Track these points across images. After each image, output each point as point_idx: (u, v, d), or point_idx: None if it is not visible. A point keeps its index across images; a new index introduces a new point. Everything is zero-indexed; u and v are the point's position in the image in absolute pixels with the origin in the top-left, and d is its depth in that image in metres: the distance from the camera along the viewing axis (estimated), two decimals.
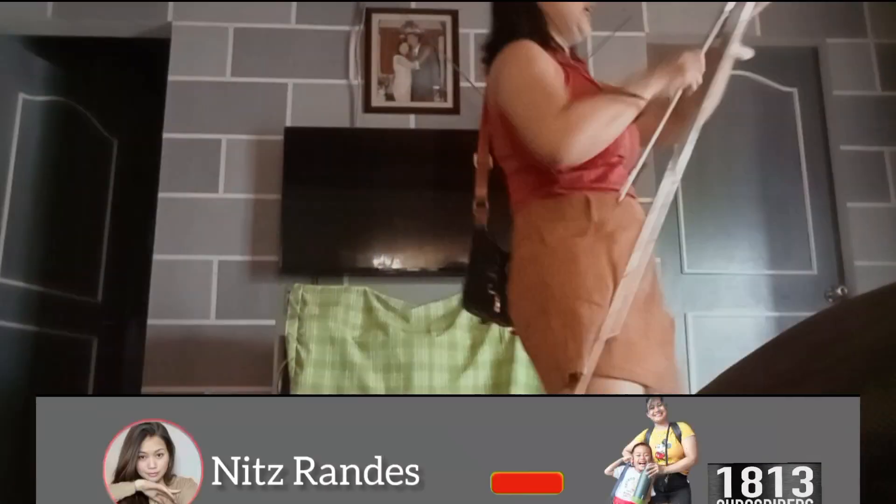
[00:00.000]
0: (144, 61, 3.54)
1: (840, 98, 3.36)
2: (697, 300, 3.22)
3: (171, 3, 3.26)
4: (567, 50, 1.66)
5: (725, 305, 3.22)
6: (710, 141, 3.36)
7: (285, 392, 2.62)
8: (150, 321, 2.97)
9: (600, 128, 1.42)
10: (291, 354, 2.65)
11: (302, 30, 3.28)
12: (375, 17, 3.30)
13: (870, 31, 3.42)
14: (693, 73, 1.49)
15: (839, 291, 3.17)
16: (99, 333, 3.50)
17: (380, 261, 3.02)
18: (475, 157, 1.65)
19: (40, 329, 3.22)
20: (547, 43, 1.58)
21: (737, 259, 3.27)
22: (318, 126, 3.12)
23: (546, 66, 1.50)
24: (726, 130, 3.33)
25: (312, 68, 3.24)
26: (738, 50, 1.59)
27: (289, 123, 3.15)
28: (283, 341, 2.69)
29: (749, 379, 0.86)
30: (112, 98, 3.69)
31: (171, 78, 3.19)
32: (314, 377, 2.61)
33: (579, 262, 1.40)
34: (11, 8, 3.21)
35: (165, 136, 3.14)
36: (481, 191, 1.62)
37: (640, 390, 1.38)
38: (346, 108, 3.21)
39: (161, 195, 3.09)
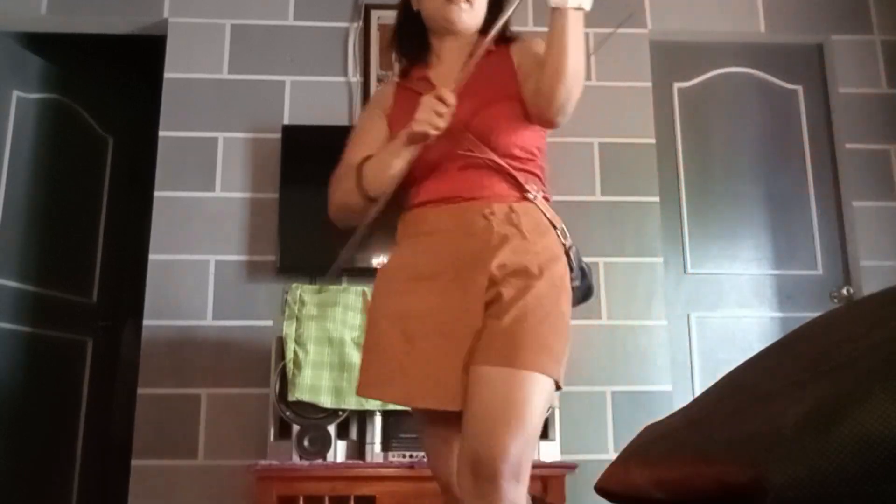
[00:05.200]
0: (140, 58, 3.51)
1: (845, 95, 3.32)
2: (701, 301, 3.18)
3: None
4: (445, 51, 1.71)
5: (729, 306, 3.18)
6: (714, 139, 3.34)
7: (283, 393, 2.59)
8: (145, 322, 2.95)
9: (342, 195, 1.68)
10: (289, 355, 2.62)
11: (300, 26, 3.25)
12: (374, 14, 3.26)
13: (876, 27, 3.38)
14: (423, 122, 1.46)
15: (845, 292, 3.14)
16: (94, 334, 3.47)
17: (379, 261, 2.99)
18: None
19: (34, 330, 3.19)
20: (417, 62, 1.70)
21: (741, 259, 3.24)
22: (317, 124, 3.08)
23: (368, 114, 1.77)
24: (730, 128, 3.30)
25: (311, 65, 3.21)
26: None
27: (287, 121, 3.13)
28: (281, 342, 2.67)
29: (754, 381, 0.84)
30: (107, 95, 3.67)
31: (167, 75, 3.16)
32: (312, 378, 2.59)
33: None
34: (5, 4, 3.18)
35: (161, 133, 3.11)
36: None
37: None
38: (345, 105, 3.18)
39: (157, 194, 3.06)
